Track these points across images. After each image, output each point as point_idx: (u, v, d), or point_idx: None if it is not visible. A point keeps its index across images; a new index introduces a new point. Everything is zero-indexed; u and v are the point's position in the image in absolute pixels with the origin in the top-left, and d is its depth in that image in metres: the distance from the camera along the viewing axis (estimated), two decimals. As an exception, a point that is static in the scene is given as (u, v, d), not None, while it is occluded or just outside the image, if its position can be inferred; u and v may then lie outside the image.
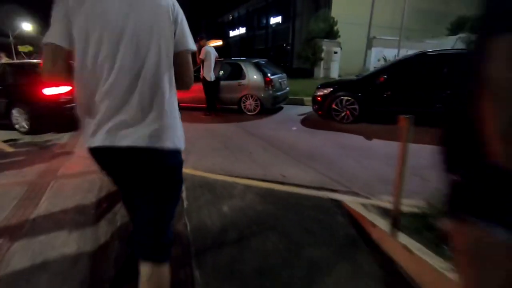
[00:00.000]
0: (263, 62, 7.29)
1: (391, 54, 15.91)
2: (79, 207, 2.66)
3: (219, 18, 36.35)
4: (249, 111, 6.99)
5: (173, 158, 1.21)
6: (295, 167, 3.53)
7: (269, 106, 6.83)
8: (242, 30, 31.40)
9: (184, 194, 2.68)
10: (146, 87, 1.09)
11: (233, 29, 33.37)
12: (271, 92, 6.70)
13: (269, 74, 6.84)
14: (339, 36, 16.85)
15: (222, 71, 7.40)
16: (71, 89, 5.45)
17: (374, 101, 5.52)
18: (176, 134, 1.23)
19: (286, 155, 4.02)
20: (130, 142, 1.07)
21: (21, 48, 27.60)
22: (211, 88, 6.77)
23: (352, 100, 5.61)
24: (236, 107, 7.10)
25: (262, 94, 6.71)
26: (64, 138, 5.16)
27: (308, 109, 7.37)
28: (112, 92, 1.06)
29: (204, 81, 6.62)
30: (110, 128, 1.07)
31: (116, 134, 1.07)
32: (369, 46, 16.40)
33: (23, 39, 33.43)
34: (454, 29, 19.63)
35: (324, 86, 6.19)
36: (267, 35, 26.40)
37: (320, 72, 16.74)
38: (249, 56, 8.16)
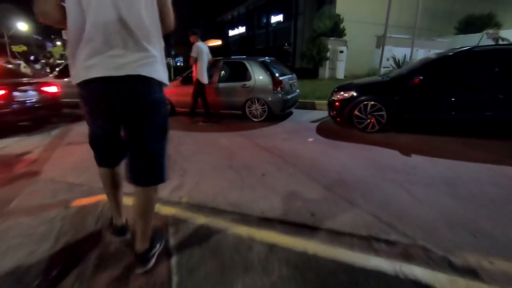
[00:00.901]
0: (270, 61, 6.41)
1: (400, 53, 15.10)
2: (18, 272, 1.77)
3: (218, 17, 35.45)
4: (254, 117, 6.11)
5: (159, 92, 1.47)
6: (324, 199, 2.65)
7: (278, 112, 5.96)
8: (242, 30, 30.54)
9: (173, 260, 1.79)
10: (131, 25, 1.32)
11: (233, 29, 32.50)
12: (280, 95, 5.83)
13: (277, 75, 5.97)
14: (345, 35, 16.00)
15: (223, 72, 6.53)
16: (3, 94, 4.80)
17: (405, 107, 4.64)
18: (160, 70, 1.46)
19: (308, 177, 3.14)
20: (123, 72, 1.32)
21: (15, 48, 26.69)
22: (204, 91, 5.90)
23: (379, 105, 4.74)
24: (240, 112, 6.22)
25: (270, 97, 5.83)
26: (24, 143, 4.26)
27: (320, 114, 6.51)
28: (99, 30, 1.28)
29: (198, 83, 5.74)
30: (102, 61, 1.31)
31: (107, 66, 1.31)
32: (379, 44, 15.58)
33: (18, 39, 32.56)
34: (462, 28, 18.87)
35: (343, 88, 5.31)
36: (268, 34, 25.54)
37: (325, 72, 15.88)
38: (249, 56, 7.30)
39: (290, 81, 6.38)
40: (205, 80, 5.75)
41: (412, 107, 4.60)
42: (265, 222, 2.25)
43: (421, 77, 4.45)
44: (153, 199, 1.61)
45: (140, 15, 1.34)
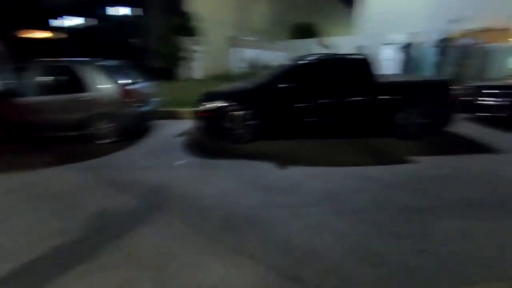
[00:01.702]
0: (116, 65, 5.12)
1: (251, 55, 16.18)
2: None
3: (41, 2, 27.84)
4: (101, 139, 4.71)
5: None
6: (217, 258, 2.00)
7: (133, 129, 4.82)
8: (79, 21, 25.17)
9: None
10: None
11: (65, 18, 26.33)
12: (133, 108, 4.70)
13: (127, 82, 4.79)
14: (198, 34, 15.65)
15: (45, 80, 4.72)
16: None
17: (275, 114, 4.58)
18: None
19: (190, 227, 2.41)
20: None
21: None
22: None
23: (250, 114, 4.48)
24: (76, 133, 4.65)
25: (119, 112, 4.61)
26: None
27: (186, 124, 5.78)
28: None
29: None
30: None
31: None
32: (232, 45, 16.09)
33: None
34: (293, 33, 22.29)
35: (210, 97, 4.77)
36: (113, 27, 22.10)
37: (182, 72, 15.10)
38: (90, 54, 5.66)
39: (145, 89, 5.31)
40: None
41: (280, 115, 4.58)
42: None
43: (287, 84, 4.48)
44: None
45: None
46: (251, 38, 16.91)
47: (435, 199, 2.86)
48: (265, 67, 15.66)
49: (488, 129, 5.46)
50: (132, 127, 4.81)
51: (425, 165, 3.76)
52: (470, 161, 3.91)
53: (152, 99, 5.62)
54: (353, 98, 4.56)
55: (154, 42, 15.77)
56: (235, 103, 4.51)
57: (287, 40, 20.43)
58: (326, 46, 15.80)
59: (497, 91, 5.68)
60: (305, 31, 21.83)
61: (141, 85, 5.25)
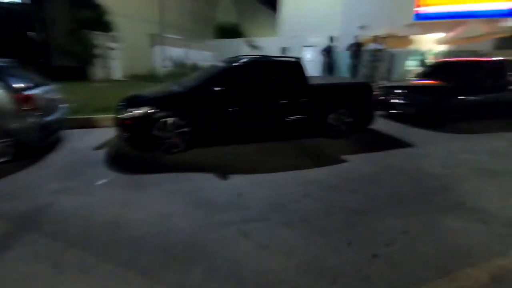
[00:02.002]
0: (5, 65, 4.08)
1: (174, 53, 15.32)
2: None
3: None
4: (-10, 158, 3.70)
5: None
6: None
7: (36, 144, 3.92)
8: None
9: None
10: None
11: None
12: (34, 118, 3.81)
13: (24, 86, 3.86)
14: (114, 30, 14.07)
15: None
16: None
17: (210, 119, 4.27)
18: None
19: (121, 267, 1.96)
20: None
21: None
22: None
23: (181, 121, 4.07)
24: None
25: (13, 124, 3.67)
26: None
27: (106, 133, 4.99)
28: None
29: None
30: None
31: None
32: (152, 43, 14.97)
33: None
34: (219, 33, 22.08)
35: (133, 102, 4.19)
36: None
37: (98, 72, 13.36)
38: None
39: (50, 93, 4.39)
40: None
41: (216, 119, 4.29)
42: None
43: (221, 87, 4.22)
44: None
45: None
46: (176, 36, 16.05)
47: (371, 198, 3.01)
48: (194, 67, 15.05)
49: (399, 125, 6.18)
50: (34, 141, 3.90)
51: (357, 163, 3.98)
52: (392, 156, 4.31)
53: (60, 105, 4.69)
54: (288, 101, 4.57)
55: (60, 37, 13.59)
56: (165, 109, 4.05)
57: (212, 39, 20.08)
58: (255, 47, 16.02)
59: (402, 91, 6.49)
60: (231, 31, 21.83)
61: (44, 89, 4.30)
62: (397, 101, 6.45)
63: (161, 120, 3.99)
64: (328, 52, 13.14)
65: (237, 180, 3.38)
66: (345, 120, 4.91)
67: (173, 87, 4.77)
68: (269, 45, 16.44)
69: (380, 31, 12.02)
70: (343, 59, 13.38)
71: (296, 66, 4.70)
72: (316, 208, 2.78)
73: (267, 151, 4.41)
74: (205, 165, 3.80)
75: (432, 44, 12.49)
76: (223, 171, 3.56)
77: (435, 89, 6.30)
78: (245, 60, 4.68)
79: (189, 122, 4.11)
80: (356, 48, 12.07)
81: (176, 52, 15.57)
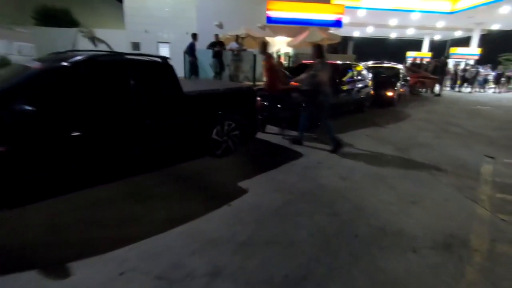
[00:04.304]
0: None
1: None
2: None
3: None
4: None
5: None
6: None
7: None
8: None
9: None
10: None
11: None
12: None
13: None
14: None
15: None
16: None
17: (28, 159, 2.32)
18: None
19: None
20: None
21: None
22: None
23: None
24: None
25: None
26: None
27: None
28: None
29: None
30: None
31: None
32: None
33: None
34: (41, 19, 16.90)
35: None
36: None
37: None
38: None
39: None
40: None
41: (40, 158, 2.38)
42: None
43: (40, 101, 2.34)
44: None
45: None
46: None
47: (300, 252, 2.20)
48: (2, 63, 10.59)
49: (278, 130, 5.74)
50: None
51: (259, 192, 3.15)
52: (291, 175, 3.70)
53: None
54: (155, 118, 3.19)
55: None
56: None
57: (32, 27, 15.09)
58: (98, 40, 12.85)
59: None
60: (59, 18, 17.10)
61: None
62: (267, 104, 6.01)
63: None
64: (193, 50, 11.90)
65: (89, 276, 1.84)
66: (232, 133, 4.00)
67: None
68: (116, 39, 13.69)
69: (240, 31, 11.90)
70: (206, 59, 12.53)
71: (164, 68, 3.31)
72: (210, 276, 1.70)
73: (135, 195, 2.94)
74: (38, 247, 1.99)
75: (283, 46, 13.52)
76: (67, 258, 1.90)
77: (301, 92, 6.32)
78: (81, 57, 2.79)
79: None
80: (219, 48, 11.44)
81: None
